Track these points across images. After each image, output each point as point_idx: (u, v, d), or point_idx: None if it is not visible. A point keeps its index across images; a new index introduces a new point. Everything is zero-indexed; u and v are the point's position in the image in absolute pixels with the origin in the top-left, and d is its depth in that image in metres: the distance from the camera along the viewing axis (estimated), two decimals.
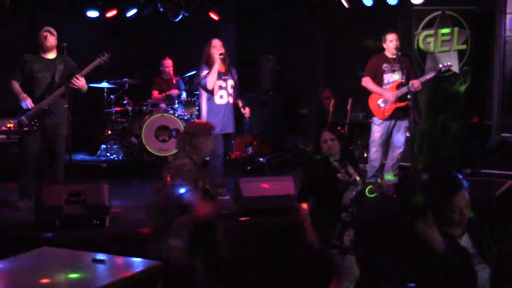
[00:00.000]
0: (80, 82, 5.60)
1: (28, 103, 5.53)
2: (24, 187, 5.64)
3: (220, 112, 6.14)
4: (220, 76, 6.12)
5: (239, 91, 6.38)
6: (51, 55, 5.75)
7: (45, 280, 2.83)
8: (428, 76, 6.35)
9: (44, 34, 5.67)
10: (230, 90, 6.19)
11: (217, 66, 6.04)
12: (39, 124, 5.59)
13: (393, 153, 6.33)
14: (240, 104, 6.29)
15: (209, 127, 4.20)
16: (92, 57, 5.74)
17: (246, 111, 6.27)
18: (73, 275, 2.89)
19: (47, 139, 5.71)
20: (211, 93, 6.12)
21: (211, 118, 6.10)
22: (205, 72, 6.07)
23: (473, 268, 2.90)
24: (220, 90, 6.15)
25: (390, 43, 6.21)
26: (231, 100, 6.20)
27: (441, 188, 2.97)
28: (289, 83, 9.56)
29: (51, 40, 5.70)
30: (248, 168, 7.65)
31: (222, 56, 6.03)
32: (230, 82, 6.18)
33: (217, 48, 6.09)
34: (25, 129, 5.57)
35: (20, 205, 5.58)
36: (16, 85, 5.64)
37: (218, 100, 6.15)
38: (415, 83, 6.09)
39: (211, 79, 6.02)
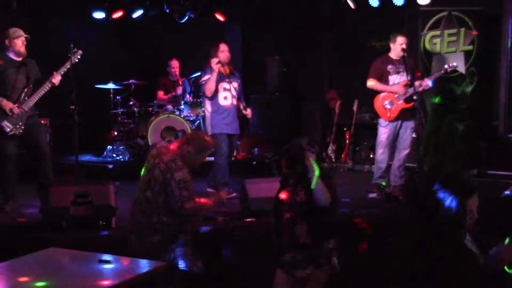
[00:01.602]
0: (59, 79, 5.54)
1: (11, 107, 5.41)
2: (7, 191, 5.63)
3: (225, 112, 6.25)
4: (223, 78, 6.22)
5: (241, 94, 6.52)
6: (20, 57, 5.62)
7: None
8: (434, 77, 6.33)
9: (22, 40, 5.52)
10: (234, 92, 6.29)
11: (215, 75, 6.11)
12: (24, 127, 5.50)
13: (399, 155, 6.29)
14: (242, 106, 6.41)
15: (209, 145, 4.13)
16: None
17: (248, 112, 6.41)
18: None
19: (29, 140, 5.64)
20: (214, 94, 6.20)
21: (215, 118, 6.22)
22: (206, 77, 6.19)
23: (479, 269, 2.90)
24: (224, 92, 6.25)
25: (400, 45, 6.16)
26: (235, 101, 6.31)
27: (454, 192, 2.92)
28: (295, 84, 9.56)
29: (25, 44, 5.61)
30: (254, 162, 7.72)
31: (219, 65, 6.11)
32: (235, 85, 6.29)
33: (224, 52, 6.21)
34: (11, 133, 5.45)
35: (6, 208, 5.56)
36: None
37: (222, 101, 6.24)
38: (425, 81, 6.10)
39: (208, 87, 6.13)
